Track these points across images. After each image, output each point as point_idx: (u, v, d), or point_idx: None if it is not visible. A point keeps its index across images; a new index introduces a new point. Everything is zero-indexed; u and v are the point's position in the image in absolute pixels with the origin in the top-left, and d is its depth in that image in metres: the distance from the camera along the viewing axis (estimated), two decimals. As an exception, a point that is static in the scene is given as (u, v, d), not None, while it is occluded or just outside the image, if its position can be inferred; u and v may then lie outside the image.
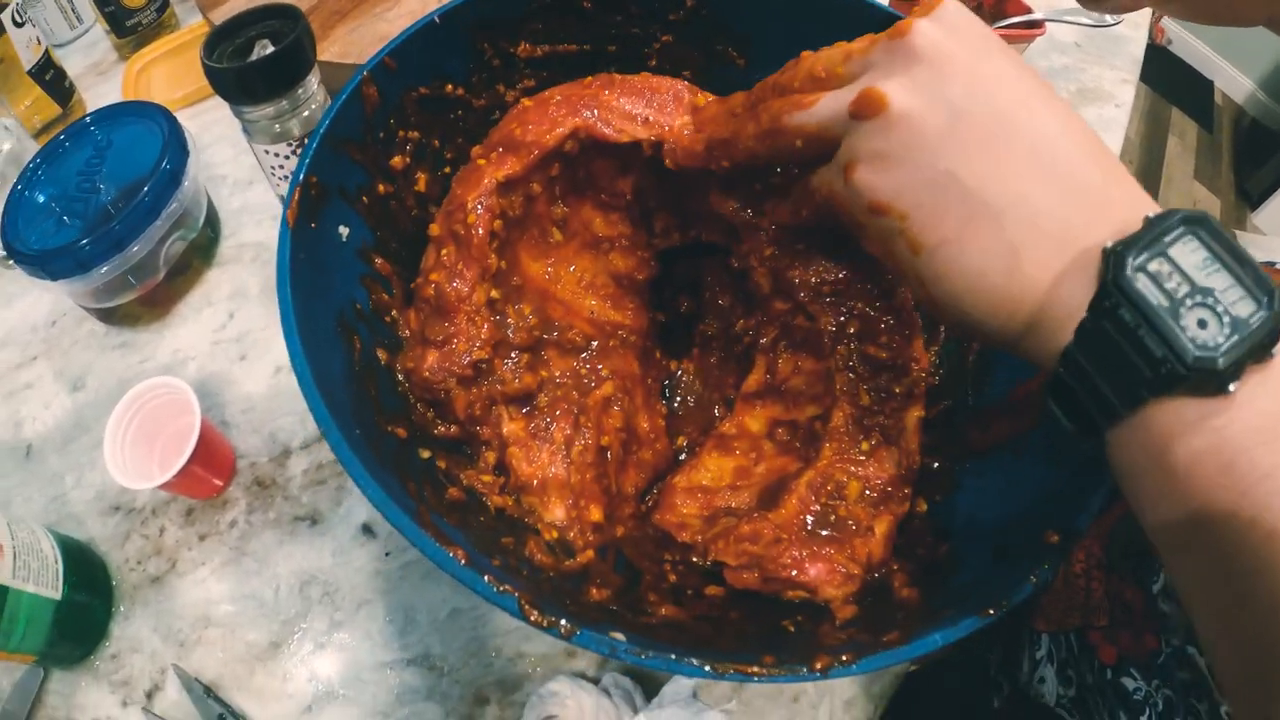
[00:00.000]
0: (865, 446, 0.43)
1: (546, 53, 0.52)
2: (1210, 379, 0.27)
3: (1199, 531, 0.28)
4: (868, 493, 0.43)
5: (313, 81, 0.57)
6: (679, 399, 0.55)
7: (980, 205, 0.30)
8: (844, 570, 0.40)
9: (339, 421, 0.31)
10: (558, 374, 0.49)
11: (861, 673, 0.31)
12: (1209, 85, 3.51)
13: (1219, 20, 0.59)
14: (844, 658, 0.31)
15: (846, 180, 0.33)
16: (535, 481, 0.44)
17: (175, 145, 0.65)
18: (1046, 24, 0.76)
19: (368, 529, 0.57)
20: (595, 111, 0.45)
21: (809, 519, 0.42)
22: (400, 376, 0.44)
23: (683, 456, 0.52)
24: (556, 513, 0.43)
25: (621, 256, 0.52)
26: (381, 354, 0.43)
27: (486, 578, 0.30)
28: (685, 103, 0.46)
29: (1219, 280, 0.27)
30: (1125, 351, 0.27)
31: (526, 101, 0.47)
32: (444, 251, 0.44)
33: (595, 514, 0.45)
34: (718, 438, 0.49)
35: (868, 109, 0.32)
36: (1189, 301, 0.27)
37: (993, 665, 0.67)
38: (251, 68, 0.53)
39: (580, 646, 0.29)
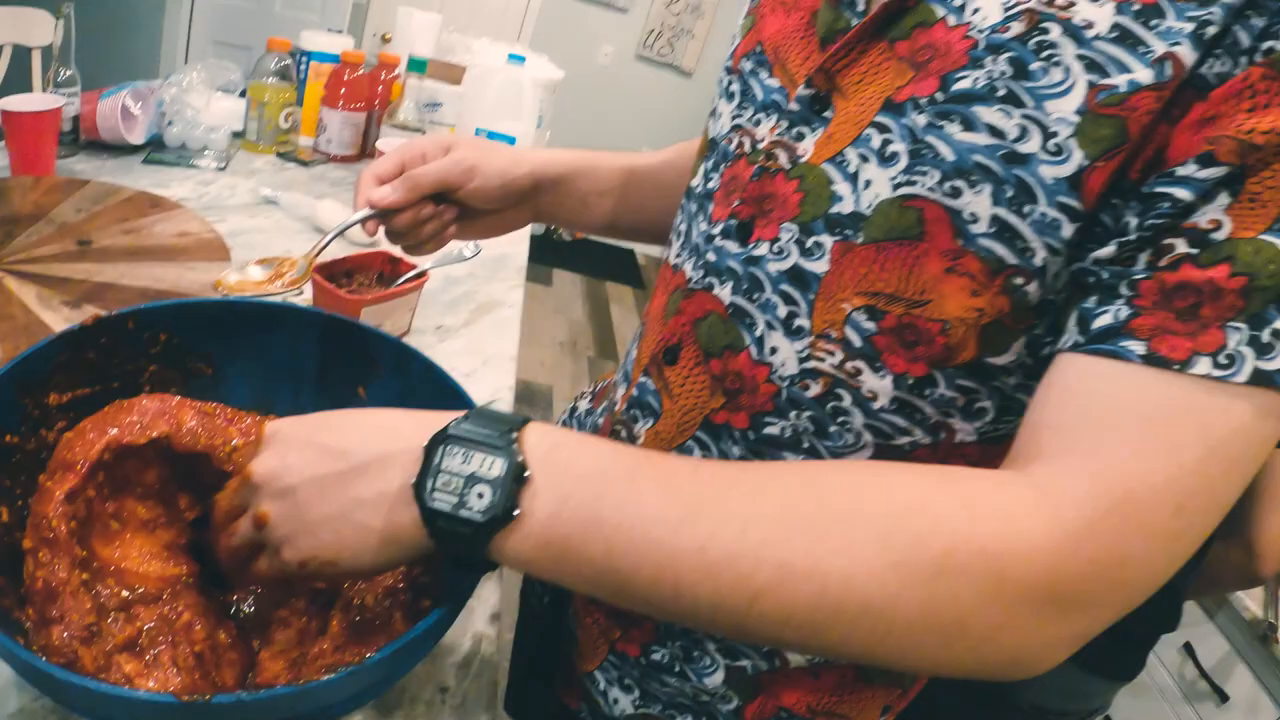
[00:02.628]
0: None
1: (70, 398, 0.69)
2: (503, 520, 0.43)
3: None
4: (377, 600, 0.67)
5: None
6: (239, 610, 0.73)
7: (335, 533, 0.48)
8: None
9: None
10: (149, 621, 0.65)
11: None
12: (630, 253, 4.41)
13: (501, 233, 0.88)
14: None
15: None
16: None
17: None
18: (429, 271, 1.11)
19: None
20: (116, 428, 0.66)
21: (350, 627, 0.65)
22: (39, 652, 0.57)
23: (258, 645, 0.69)
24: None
25: (164, 530, 0.69)
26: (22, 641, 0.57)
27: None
28: (173, 408, 0.69)
29: (475, 462, 0.43)
30: (456, 529, 0.44)
31: (68, 435, 0.65)
32: (40, 554, 0.60)
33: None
34: (276, 621, 0.68)
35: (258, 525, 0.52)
36: (467, 488, 0.43)
37: None
38: None
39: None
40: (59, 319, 0.98)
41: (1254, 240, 0.40)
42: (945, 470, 0.46)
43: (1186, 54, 0.42)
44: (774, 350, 0.58)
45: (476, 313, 1.29)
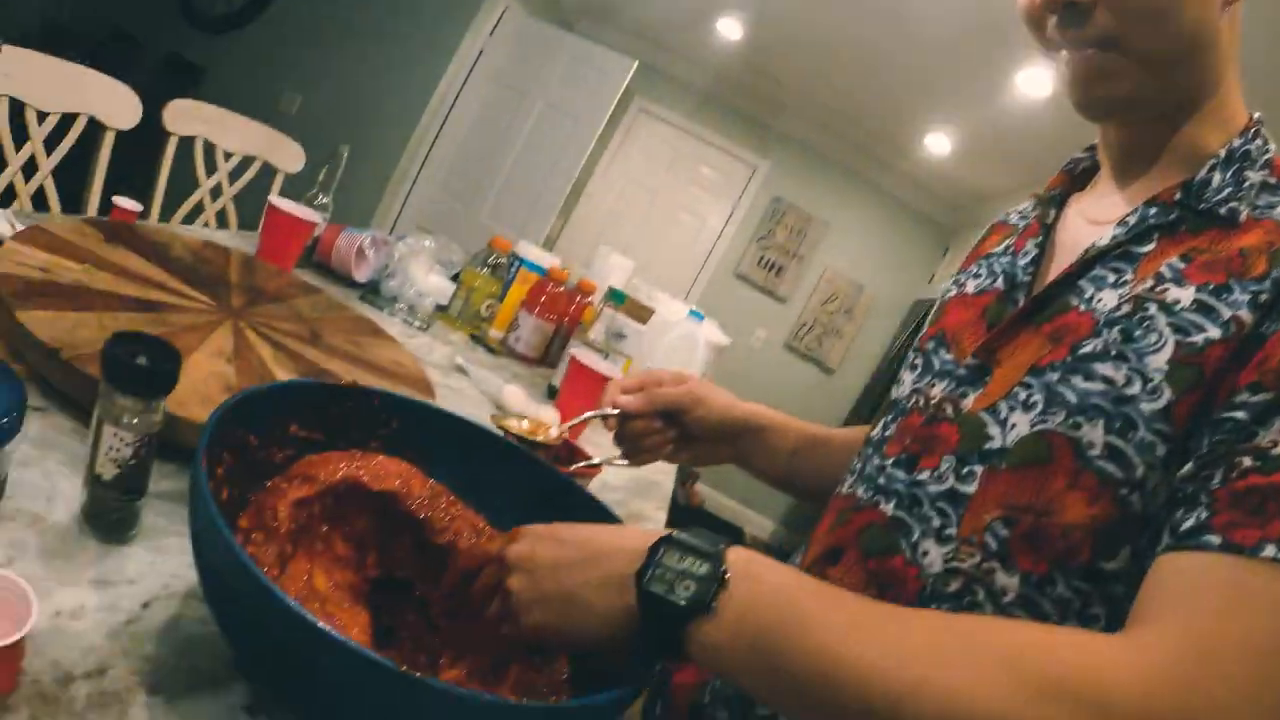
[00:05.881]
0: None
1: (304, 435, 0.75)
2: (703, 609, 0.54)
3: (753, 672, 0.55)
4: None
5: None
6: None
7: (567, 600, 0.60)
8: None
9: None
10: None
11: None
12: (739, 530, 4.41)
13: (705, 464, 1.01)
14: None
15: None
16: None
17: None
18: (603, 465, 1.15)
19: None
20: (359, 468, 0.72)
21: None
22: None
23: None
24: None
25: (350, 573, 0.72)
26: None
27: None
28: (406, 472, 0.75)
29: (688, 562, 0.55)
30: (663, 611, 0.55)
31: (312, 457, 0.71)
32: (254, 535, 0.64)
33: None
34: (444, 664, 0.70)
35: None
36: (677, 581, 0.55)
37: None
38: (147, 369, 0.64)
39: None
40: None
41: None
42: (1054, 625, 0.62)
43: (1247, 316, 0.60)
44: (925, 554, 0.71)
45: (628, 519, 1.31)
